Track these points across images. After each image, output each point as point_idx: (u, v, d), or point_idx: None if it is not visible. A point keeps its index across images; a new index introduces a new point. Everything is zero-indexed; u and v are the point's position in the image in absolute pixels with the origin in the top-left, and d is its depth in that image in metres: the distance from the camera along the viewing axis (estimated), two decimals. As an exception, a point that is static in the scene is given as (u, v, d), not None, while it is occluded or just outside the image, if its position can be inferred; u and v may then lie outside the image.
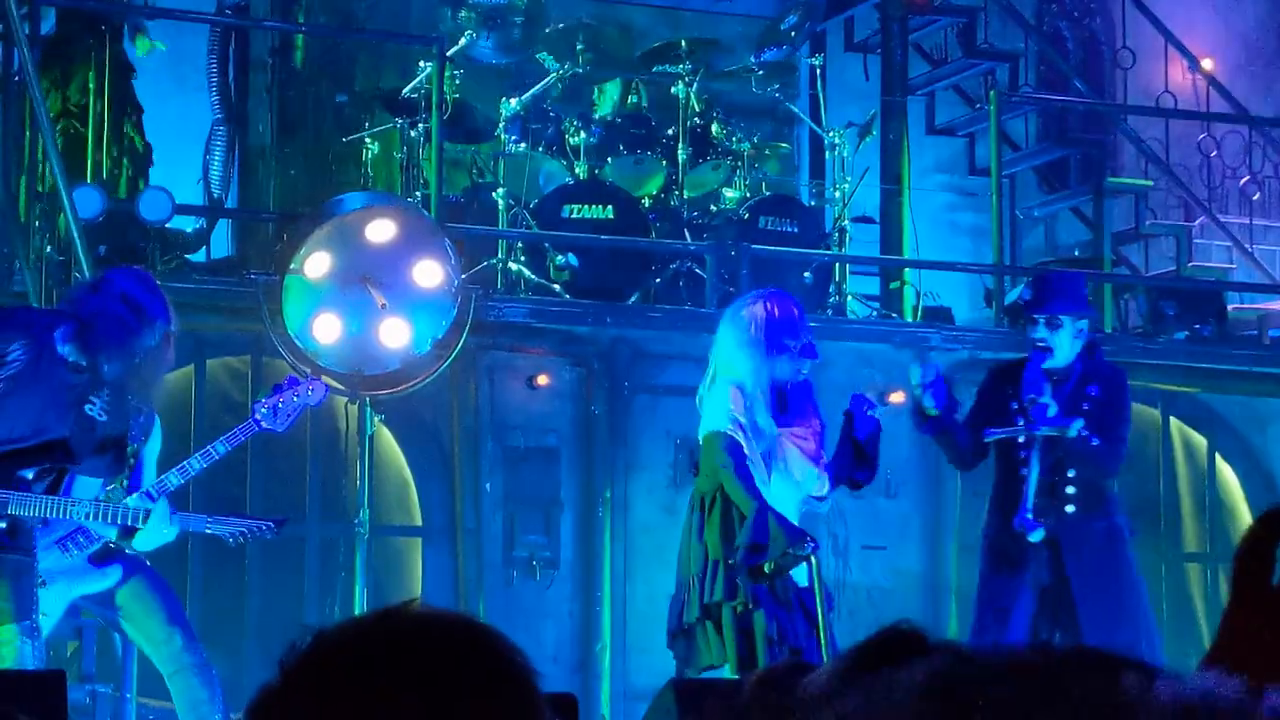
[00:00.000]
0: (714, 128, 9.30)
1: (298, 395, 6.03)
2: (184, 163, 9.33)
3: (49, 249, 7.53)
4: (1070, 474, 6.35)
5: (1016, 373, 6.46)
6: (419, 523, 8.33)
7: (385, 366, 7.55)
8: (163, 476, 5.75)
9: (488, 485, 8.32)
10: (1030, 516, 6.24)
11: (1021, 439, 6.33)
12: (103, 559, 5.82)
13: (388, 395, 7.66)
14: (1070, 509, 6.34)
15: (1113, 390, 6.46)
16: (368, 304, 7.43)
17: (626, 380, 8.50)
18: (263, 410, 5.98)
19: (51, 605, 5.77)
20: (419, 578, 8.29)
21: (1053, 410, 6.29)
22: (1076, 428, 6.26)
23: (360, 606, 7.43)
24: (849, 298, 9.24)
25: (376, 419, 7.67)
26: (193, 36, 9.44)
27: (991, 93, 9.71)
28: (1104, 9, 11.04)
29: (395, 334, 7.49)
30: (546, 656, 8.19)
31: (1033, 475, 6.26)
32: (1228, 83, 10.74)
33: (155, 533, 5.62)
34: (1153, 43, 10.66)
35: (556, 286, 8.59)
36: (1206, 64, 10.70)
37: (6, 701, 3.81)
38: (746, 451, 5.85)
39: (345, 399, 7.72)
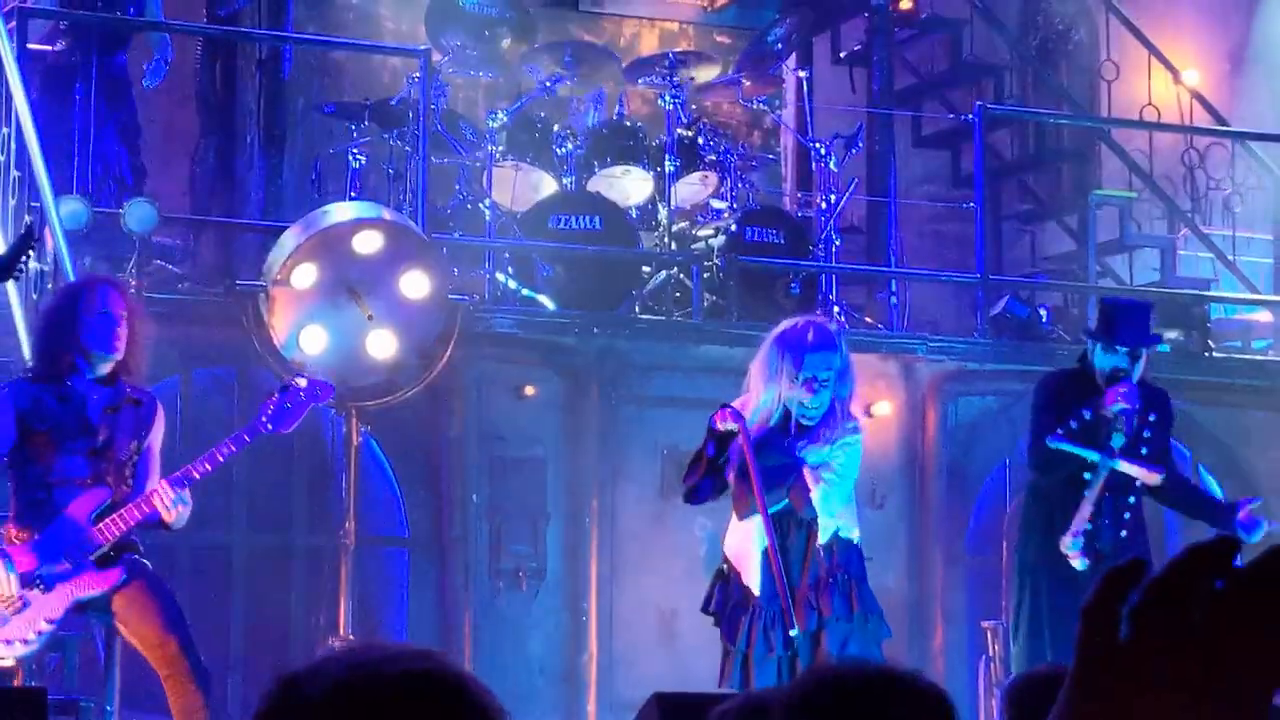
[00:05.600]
0: (701, 139, 9.32)
1: (304, 395, 6.10)
2: (171, 173, 9.33)
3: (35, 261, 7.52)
4: (1130, 500, 6.58)
5: (1083, 388, 6.54)
6: (405, 534, 8.34)
7: (372, 378, 7.55)
8: (175, 477, 5.86)
9: (474, 496, 8.32)
10: (1082, 542, 6.39)
11: (1094, 460, 6.43)
12: (106, 562, 5.86)
13: (374, 406, 7.66)
14: (1124, 534, 6.55)
15: (1165, 413, 6.68)
16: (354, 315, 7.44)
17: (613, 391, 8.52)
18: (269, 411, 6.04)
19: (55, 610, 5.81)
20: (405, 589, 8.29)
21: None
22: (1159, 479, 6.59)
23: (346, 618, 7.43)
24: (835, 308, 9.26)
25: (363, 430, 7.67)
26: (180, 47, 9.45)
27: (976, 105, 9.73)
28: (1088, 22, 11.08)
29: (382, 345, 7.49)
30: (533, 668, 8.20)
31: (1089, 498, 6.43)
32: (1212, 94, 10.78)
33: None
34: (1137, 55, 10.70)
35: (543, 297, 8.61)
36: (1190, 76, 10.74)
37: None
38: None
39: (332, 410, 7.72)
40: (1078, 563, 6.40)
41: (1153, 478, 6.58)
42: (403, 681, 1.36)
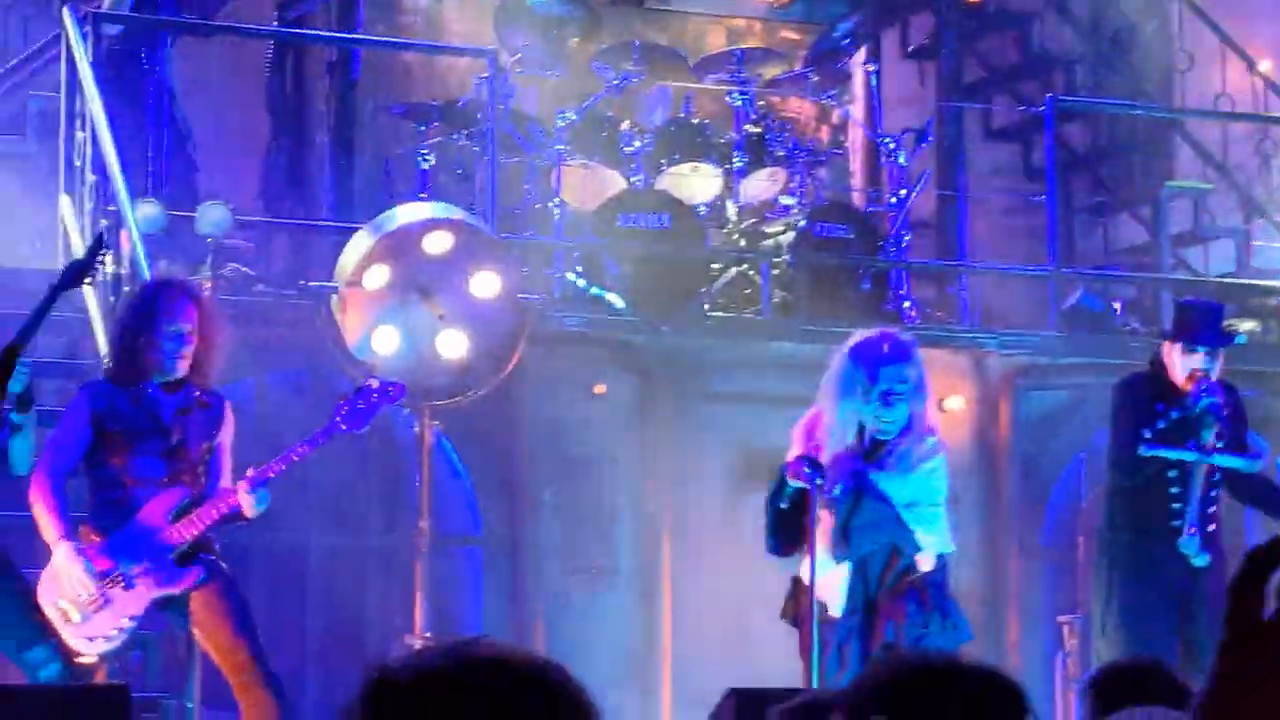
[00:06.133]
0: (768, 135, 9.30)
1: (376, 395, 6.18)
2: (243, 176, 9.40)
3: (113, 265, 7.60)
4: (1214, 494, 6.72)
5: (1162, 390, 6.68)
6: (479, 532, 8.37)
7: (444, 378, 7.58)
8: (251, 477, 5.91)
9: (546, 494, 8.34)
10: (1199, 540, 6.55)
11: (1191, 460, 6.58)
12: (185, 561, 5.93)
13: (446, 406, 7.69)
14: (1211, 527, 6.68)
15: (1237, 406, 6.79)
16: (426, 316, 7.46)
17: (684, 388, 8.51)
18: (343, 412, 6.12)
19: (136, 608, 5.88)
20: (479, 588, 8.32)
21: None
22: (1261, 463, 6.72)
23: (421, 617, 7.46)
24: (906, 303, 9.22)
25: (435, 430, 7.70)
26: (251, 51, 9.52)
27: (1048, 97, 9.66)
28: (1160, 11, 10.98)
29: (453, 345, 7.52)
30: (606, 665, 8.20)
31: (1194, 496, 6.59)
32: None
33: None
34: (1211, 44, 10.59)
35: (612, 296, 8.61)
36: (1265, 65, 10.62)
37: (72, 716, 3.86)
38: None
39: (405, 410, 7.75)
40: (1198, 560, 6.56)
41: (1255, 466, 6.70)
42: (495, 671, 1.36)
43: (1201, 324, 6.73)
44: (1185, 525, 6.54)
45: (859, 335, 5.89)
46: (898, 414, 5.75)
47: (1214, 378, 6.63)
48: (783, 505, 5.78)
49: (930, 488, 5.79)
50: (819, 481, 5.62)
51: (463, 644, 1.42)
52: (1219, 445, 6.56)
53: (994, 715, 2.04)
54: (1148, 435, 6.53)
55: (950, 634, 5.78)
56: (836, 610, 5.73)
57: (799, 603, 5.89)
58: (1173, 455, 6.54)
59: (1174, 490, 6.61)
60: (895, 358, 5.76)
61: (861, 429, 5.79)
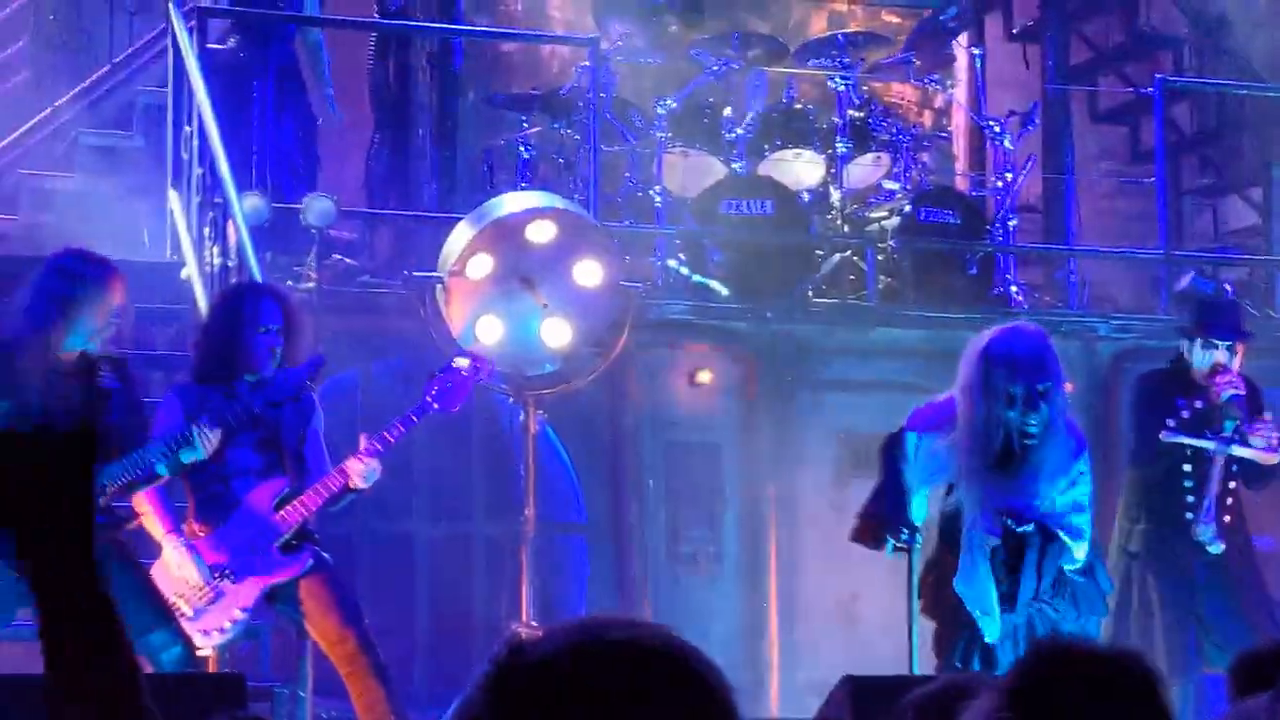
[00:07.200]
0: (872, 120, 9.23)
1: (465, 372, 6.20)
2: (347, 168, 9.46)
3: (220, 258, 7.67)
4: (1232, 486, 6.81)
5: (1184, 386, 6.78)
6: (584, 520, 8.37)
7: (548, 366, 7.58)
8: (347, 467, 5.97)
9: (651, 482, 8.33)
10: (1214, 528, 6.67)
11: (1211, 450, 6.66)
12: (292, 549, 5.98)
13: (550, 394, 7.70)
14: (1227, 518, 6.79)
15: (1257, 406, 6.84)
16: (529, 304, 7.47)
17: (789, 375, 8.48)
18: (433, 391, 6.16)
19: (247, 599, 5.93)
20: (584, 575, 8.33)
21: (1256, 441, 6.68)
22: (1278, 457, 6.71)
23: (528, 604, 7.47)
24: (1013, 288, 9.12)
25: (540, 418, 7.71)
26: (353, 43, 9.57)
27: (1155, 78, 9.52)
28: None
29: (557, 334, 7.52)
30: (714, 652, 8.16)
31: (1211, 486, 6.67)
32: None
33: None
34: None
35: (715, 283, 8.59)
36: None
37: (187, 704, 3.90)
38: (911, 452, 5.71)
39: (509, 399, 7.77)
40: (1214, 548, 6.70)
41: (1271, 458, 6.70)
42: (628, 648, 1.35)
43: (1219, 319, 6.88)
44: (1201, 514, 6.66)
45: (992, 331, 5.56)
46: (1041, 416, 5.44)
47: (1232, 370, 6.72)
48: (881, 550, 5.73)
49: (1080, 492, 5.67)
50: (917, 545, 5.59)
51: (593, 622, 1.40)
52: (1238, 436, 6.65)
53: (1123, 696, 2.02)
54: (1171, 424, 6.64)
55: (1084, 613, 5.69)
56: (991, 634, 5.57)
57: (944, 599, 5.74)
58: (1194, 443, 6.65)
59: (1189, 483, 6.73)
60: (1034, 355, 5.42)
61: (1005, 435, 5.47)
